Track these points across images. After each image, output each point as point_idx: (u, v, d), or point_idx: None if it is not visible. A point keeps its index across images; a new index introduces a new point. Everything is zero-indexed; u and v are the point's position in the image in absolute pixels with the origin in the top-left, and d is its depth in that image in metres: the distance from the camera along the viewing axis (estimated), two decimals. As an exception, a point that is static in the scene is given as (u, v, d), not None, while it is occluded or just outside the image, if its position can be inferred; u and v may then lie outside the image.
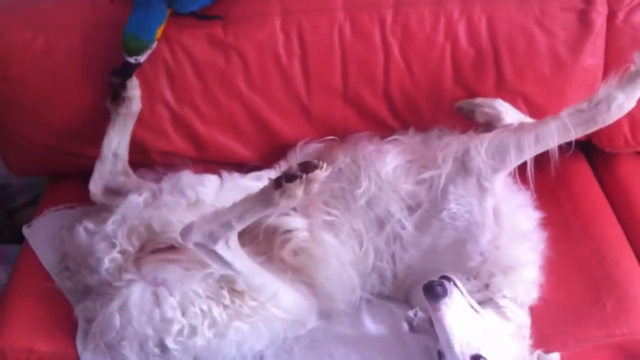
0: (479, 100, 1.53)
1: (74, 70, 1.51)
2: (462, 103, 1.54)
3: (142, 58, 1.44)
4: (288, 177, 1.21)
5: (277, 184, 1.21)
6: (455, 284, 1.23)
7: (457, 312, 1.22)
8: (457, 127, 1.54)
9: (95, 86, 1.52)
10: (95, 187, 1.52)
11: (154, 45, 1.45)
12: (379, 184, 1.44)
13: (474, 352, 1.22)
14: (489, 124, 1.51)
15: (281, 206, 1.23)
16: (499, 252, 1.37)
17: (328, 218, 1.44)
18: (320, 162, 1.22)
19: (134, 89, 1.50)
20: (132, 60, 1.43)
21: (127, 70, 1.46)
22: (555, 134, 1.32)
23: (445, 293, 1.20)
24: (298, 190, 1.21)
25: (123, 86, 1.47)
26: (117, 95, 1.48)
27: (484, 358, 1.22)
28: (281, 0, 1.52)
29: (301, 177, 1.20)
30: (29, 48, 1.49)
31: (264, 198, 1.23)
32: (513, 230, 1.39)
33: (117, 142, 1.52)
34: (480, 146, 1.38)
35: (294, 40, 1.52)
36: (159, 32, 1.44)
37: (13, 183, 2.13)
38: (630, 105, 1.31)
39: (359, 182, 1.44)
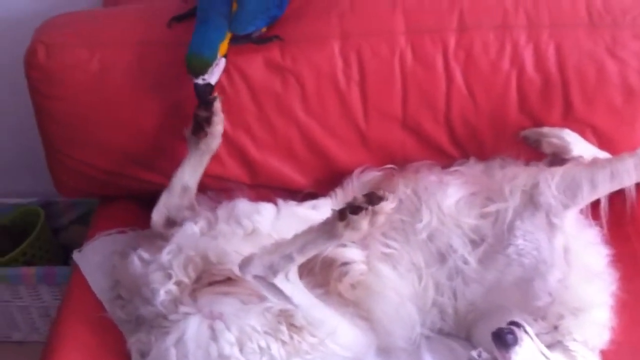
0: (545, 129, 1.51)
1: (129, 91, 1.52)
2: (528, 132, 1.53)
3: (209, 77, 1.42)
4: (353, 209, 1.21)
5: (341, 215, 1.21)
6: (525, 330, 1.22)
7: None
8: (521, 156, 1.53)
9: (151, 108, 1.53)
10: (158, 216, 1.51)
11: (220, 61, 1.43)
12: (441, 217, 1.43)
13: None
14: (556, 155, 1.50)
15: (345, 238, 1.24)
16: (568, 292, 1.35)
17: (387, 250, 1.43)
18: (386, 194, 1.22)
19: (218, 125, 1.49)
20: (199, 81, 1.42)
21: (200, 94, 1.44)
22: (632, 171, 1.31)
23: (515, 342, 1.20)
24: (363, 222, 1.21)
25: (208, 121, 1.47)
26: (199, 128, 1.47)
27: None
28: (341, 23, 1.52)
29: (367, 209, 1.20)
30: (84, 67, 1.51)
31: (327, 230, 1.24)
32: (583, 269, 1.37)
33: (189, 175, 1.52)
34: (551, 180, 1.37)
35: (353, 65, 1.52)
36: (222, 48, 1.43)
37: (59, 201, 2.16)
38: None
39: (420, 214, 1.44)
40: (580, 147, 1.49)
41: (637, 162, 1.31)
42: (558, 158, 1.50)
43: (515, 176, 1.43)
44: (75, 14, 1.64)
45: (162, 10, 1.56)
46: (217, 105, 1.48)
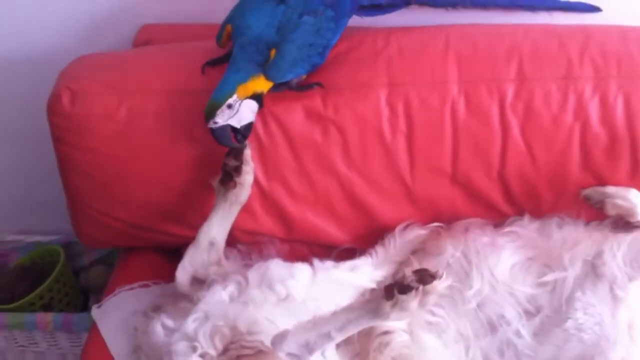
0: (610, 189, 1.46)
1: (158, 142, 1.49)
2: (590, 191, 1.48)
3: (222, 120, 1.39)
4: (401, 288, 1.17)
5: (388, 294, 1.18)
6: None
7: None
8: (581, 216, 1.49)
9: (181, 159, 1.50)
10: (184, 275, 1.48)
11: (239, 104, 1.39)
12: (493, 284, 1.40)
13: None
14: (620, 217, 1.43)
15: (391, 319, 1.20)
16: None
17: (432, 319, 1.40)
18: (439, 271, 1.19)
19: (248, 175, 1.46)
20: (211, 125, 1.39)
21: (216, 139, 1.42)
22: None
23: None
24: (412, 303, 1.18)
25: (237, 170, 1.44)
26: (228, 178, 1.44)
27: None
28: (388, 71, 1.49)
29: (417, 288, 1.17)
30: (111, 116, 1.49)
31: (372, 309, 1.21)
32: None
33: (217, 229, 1.48)
34: (617, 249, 1.33)
35: (400, 115, 1.48)
36: (243, 89, 1.39)
37: (79, 241, 2.12)
38: None
39: (470, 280, 1.41)
40: None
41: None
42: (622, 221, 1.45)
43: (577, 242, 1.40)
44: (101, 56, 1.63)
45: (195, 53, 1.55)
46: (247, 153, 1.46)
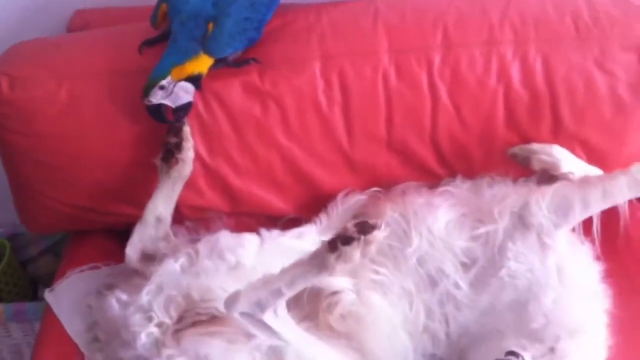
0: (535, 146, 1.59)
1: (100, 123, 1.56)
2: (516, 149, 1.60)
3: (152, 98, 1.46)
4: (344, 240, 1.25)
5: (332, 247, 1.26)
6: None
7: None
8: (509, 174, 1.60)
9: (124, 139, 1.57)
10: (133, 251, 1.55)
11: (174, 85, 1.46)
12: (431, 240, 1.49)
13: None
14: (545, 172, 1.56)
15: (337, 270, 1.28)
16: (564, 313, 1.42)
17: (376, 277, 1.48)
18: (378, 222, 1.27)
19: (189, 151, 1.54)
20: (146, 102, 1.47)
21: (152, 116, 1.49)
22: (624, 189, 1.37)
23: None
24: (355, 253, 1.25)
25: (178, 147, 1.52)
26: (170, 155, 1.53)
27: None
28: (321, 44, 1.58)
29: (358, 239, 1.24)
30: (52, 100, 1.55)
31: (317, 262, 1.28)
32: (578, 288, 1.45)
33: (162, 205, 1.56)
34: (542, 200, 1.43)
35: (335, 86, 1.58)
36: (178, 71, 1.47)
37: (25, 232, 2.17)
38: None
39: (410, 238, 1.49)
40: (569, 163, 1.57)
41: (630, 180, 1.38)
42: (547, 175, 1.57)
43: (505, 197, 1.50)
44: (39, 42, 1.68)
45: (131, 35, 1.62)
46: (186, 130, 1.54)
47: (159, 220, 1.57)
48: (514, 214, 1.45)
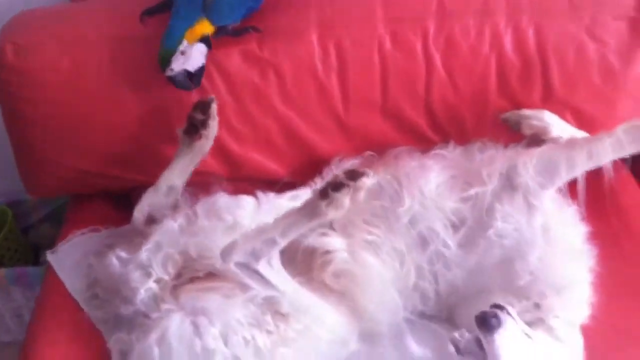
0: (526, 112, 1.64)
1: (102, 89, 1.63)
2: (508, 115, 1.66)
3: (178, 66, 1.52)
4: (334, 186, 1.31)
5: (323, 194, 1.32)
6: (508, 312, 1.33)
7: (511, 342, 1.32)
8: (501, 140, 1.65)
9: (125, 105, 1.64)
10: (141, 214, 1.61)
11: (190, 48, 1.52)
12: (422, 201, 1.53)
13: None
14: (536, 137, 1.62)
15: (329, 217, 1.34)
16: (549, 270, 1.47)
17: (369, 237, 1.53)
18: (366, 170, 1.33)
19: (213, 128, 1.59)
20: (168, 73, 1.53)
21: (177, 85, 1.55)
22: (609, 151, 1.42)
23: (499, 324, 1.31)
24: (345, 199, 1.31)
25: (203, 124, 1.56)
26: (194, 130, 1.58)
27: None
28: (318, 13, 1.64)
29: (348, 185, 1.31)
30: (55, 67, 1.62)
31: (309, 210, 1.34)
32: (563, 247, 1.50)
33: (177, 176, 1.61)
34: (529, 162, 1.48)
35: (332, 54, 1.64)
36: (191, 34, 1.52)
37: (27, 199, 2.26)
38: None
39: (401, 199, 1.54)
40: (559, 128, 1.62)
41: (613, 142, 1.43)
42: (537, 139, 1.62)
43: (493, 160, 1.56)
44: (42, 10, 1.75)
45: (133, 3, 1.67)
46: (214, 107, 1.59)
47: (171, 188, 1.62)
48: (502, 175, 1.50)
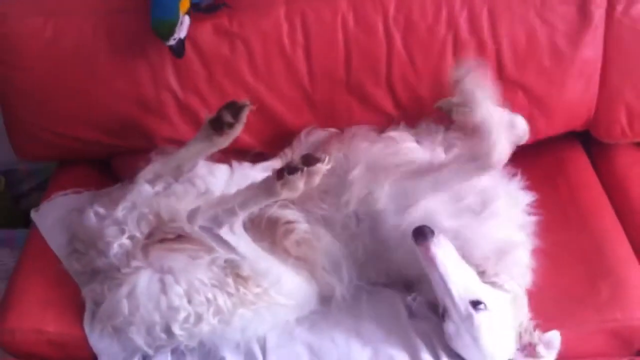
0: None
1: (82, 58, 1.75)
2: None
3: (181, 34, 1.62)
4: (290, 169, 1.42)
5: (279, 175, 1.42)
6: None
7: (447, 253, 1.43)
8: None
9: (104, 74, 1.75)
10: (143, 178, 1.68)
11: (184, 19, 1.62)
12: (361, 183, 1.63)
13: (473, 296, 1.43)
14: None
15: (282, 196, 1.45)
16: (492, 238, 1.57)
17: (322, 213, 1.65)
18: (323, 156, 1.43)
19: (237, 130, 1.67)
20: (171, 42, 1.63)
21: (176, 53, 1.66)
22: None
23: (433, 233, 1.43)
24: (299, 182, 1.42)
25: (231, 126, 1.66)
26: (219, 125, 1.66)
27: (484, 304, 1.43)
28: None
29: (302, 170, 1.41)
30: (38, 35, 1.73)
31: (266, 188, 1.45)
32: (506, 216, 1.60)
33: (188, 159, 1.70)
34: None
35: (298, 29, 1.75)
36: (182, 6, 1.62)
37: (20, 169, 2.37)
38: None
39: (346, 181, 1.64)
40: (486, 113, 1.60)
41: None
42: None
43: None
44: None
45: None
46: (245, 113, 1.66)
47: (178, 168, 1.70)
48: None
